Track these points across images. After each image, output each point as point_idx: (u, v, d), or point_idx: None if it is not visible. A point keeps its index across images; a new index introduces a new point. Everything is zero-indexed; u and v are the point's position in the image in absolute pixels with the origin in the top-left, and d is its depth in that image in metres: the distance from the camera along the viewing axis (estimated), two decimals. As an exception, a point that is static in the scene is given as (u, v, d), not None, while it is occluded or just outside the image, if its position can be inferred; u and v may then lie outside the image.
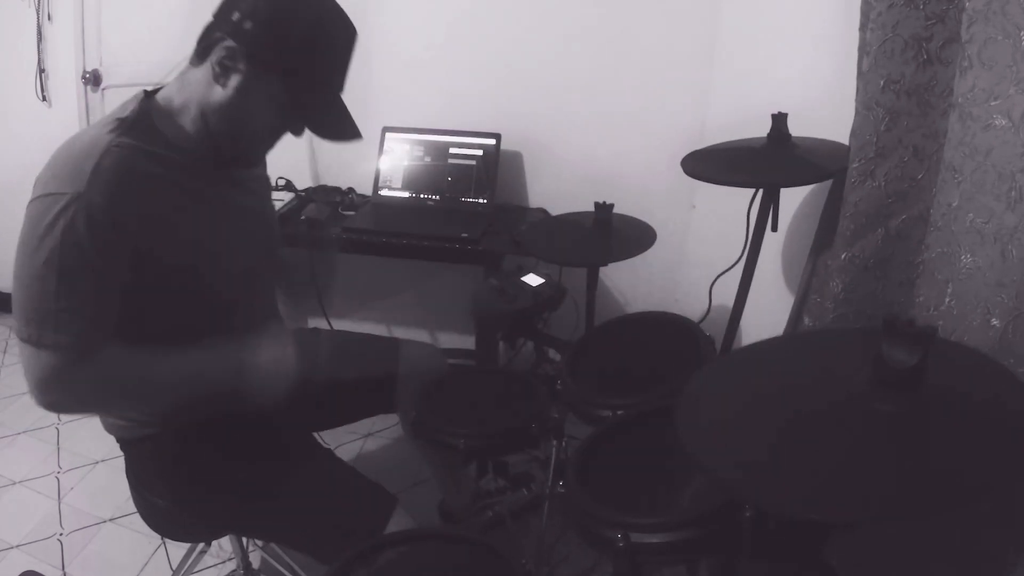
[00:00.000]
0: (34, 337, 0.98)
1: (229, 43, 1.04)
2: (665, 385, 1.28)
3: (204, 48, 1.07)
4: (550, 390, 1.40)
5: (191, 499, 1.22)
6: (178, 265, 1.08)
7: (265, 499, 1.19)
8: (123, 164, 1.01)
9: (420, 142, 2.26)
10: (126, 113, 1.06)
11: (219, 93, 1.07)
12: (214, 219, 1.15)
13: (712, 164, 1.47)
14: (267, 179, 1.39)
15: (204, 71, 1.07)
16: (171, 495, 1.23)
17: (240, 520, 1.28)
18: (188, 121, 1.10)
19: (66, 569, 1.78)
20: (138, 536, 1.84)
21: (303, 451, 1.29)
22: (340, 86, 1.17)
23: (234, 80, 1.06)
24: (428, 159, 2.25)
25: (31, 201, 1.00)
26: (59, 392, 1.01)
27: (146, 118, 1.07)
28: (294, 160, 2.24)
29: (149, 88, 1.13)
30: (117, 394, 1.09)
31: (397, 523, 1.19)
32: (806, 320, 1.44)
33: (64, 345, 0.98)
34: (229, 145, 1.12)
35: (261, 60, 1.05)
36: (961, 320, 1.12)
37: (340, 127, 1.17)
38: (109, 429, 1.24)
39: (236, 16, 1.03)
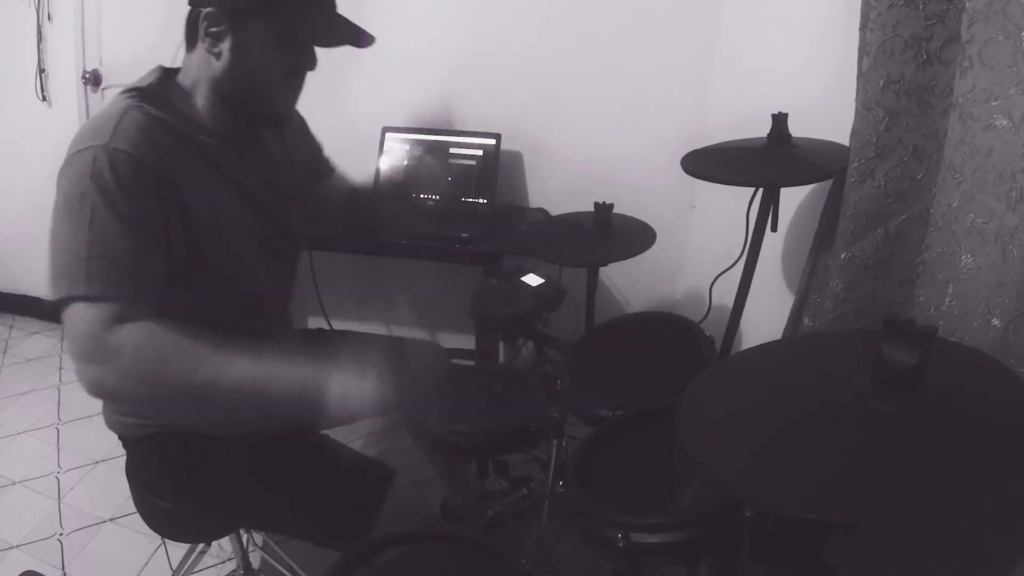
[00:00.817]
0: (65, 290, 0.94)
1: (206, 11, 1.04)
2: (665, 385, 1.28)
3: (191, 30, 1.09)
4: (550, 390, 1.40)
5: (194, 497, 1.22)
6: (198, 234, 1.07)
7: (267, 489, 1.20)
8: (144, 123, 1.02)
9: (420, 142, 2.26)
10: (144, 83, 1.08)
11: (219, 62, 1.08)
12: (231, 193, 1.15)
13: (712, 164, 1.47)
14: (289, 136, 1.34)
15: (199, 52, 1.09)
16: (174, 494, 1.23)
17: (244, 514, 1.28)
18: (200, 101, 1.11)
19: (66, 569, 1.78)
20: (138, 536, 1.84)
21: (300, 439, 1.29)
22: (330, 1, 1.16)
23: (226, 43, 1.06)
24: (428, 159, 2.25)
25: (59, 173, 1.00)
26: (101, 356, 0.92)
27: (163, 91, 1.09)
28: (294, 160, 2.24)
29: (168, 66, 1.14)
30: (168, 379, 0.95)
31: (397, 493, 1.19)
32: (806, 320, 1.44)
33: (97, 295, 0.94)
34: (254, 107, 1.12)
35: (240, 9, 1.05)
36: (961, 320, 1.12)
37: (347, 32, 1.16)
38: (112, 427, 1.24)
39: None
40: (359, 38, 1.17)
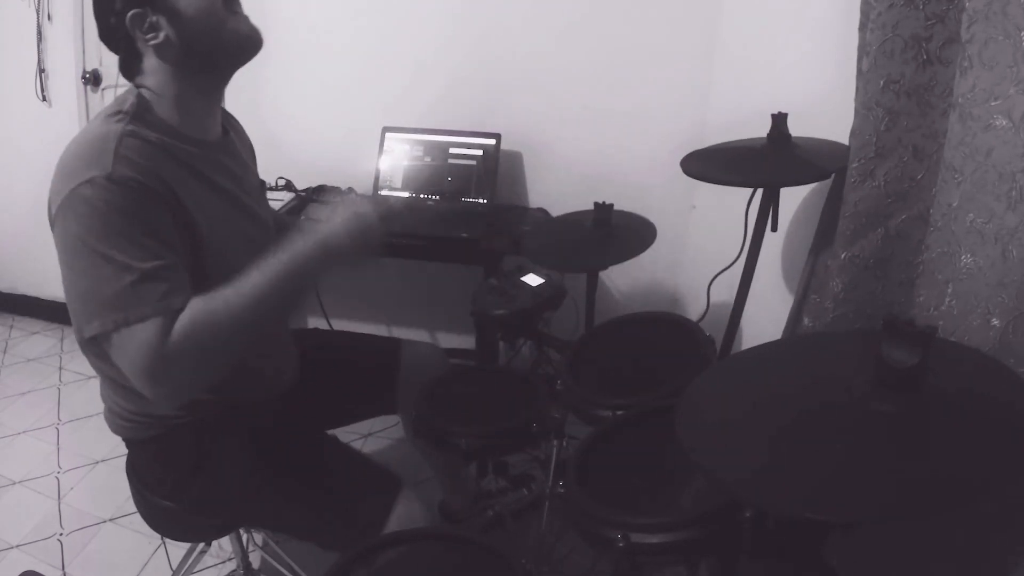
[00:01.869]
0: (121, 320, 0.95)
1: (131, 13, 1.04)
2: (665, 385, 1.28)
3: (129, 55, 1.10)
4: (550, 390, 1.40)
5: (195, 497, 1.23)
6: (201, 244, 1.08)
7: (272, 490, 1.20)
8: (141, 147, 1.02)
9: (420, 142, 2.26)
10: (126, 106, 1.07)
11: (171, 45, 1.07)
12: (223, 202, 1.16)
13: (712, 164, 1.47)
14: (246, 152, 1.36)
15: (147, 61, 1.09)
16: (175, 494, 1.23)
17: (248, 515, 1.28)
18: (169, 108, 1.11)
19: (66, 569, 1.78)
20: (138, 536, 1.84)
21: (308, 439, 1.29)
22: None
23: (164, 25, 1.06)
24: (428, 159, 2.25)
25: (59, 208, 0.98)
26: (167, 364, 0.96)
27: (147, 109, 1.09)
28: (294, 160, 2.24)
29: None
30: (221, 337, 1.01)
31: (404, 505, 1.19)
32: (806, 320, 1.44)
33: (152, 313, 0.96)
34: (224, 51, 1.12)
35: None
36: (961, 320, 1.12)
37: None
38: (116, 430, 1.24)
39: (114, 3, 1.05)
40: None
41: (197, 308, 0.99)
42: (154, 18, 1.05)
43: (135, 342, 0.96)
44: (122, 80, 1.14)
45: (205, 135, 1.16)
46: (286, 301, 1.09)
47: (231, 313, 1.01)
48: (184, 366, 0.98)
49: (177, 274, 1.01)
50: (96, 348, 1.06)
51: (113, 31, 1.07)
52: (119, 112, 1.06)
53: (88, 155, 1.00)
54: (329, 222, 1.10)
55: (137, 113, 1.06)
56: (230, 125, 1.30)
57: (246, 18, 1.14)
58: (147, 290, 0.97)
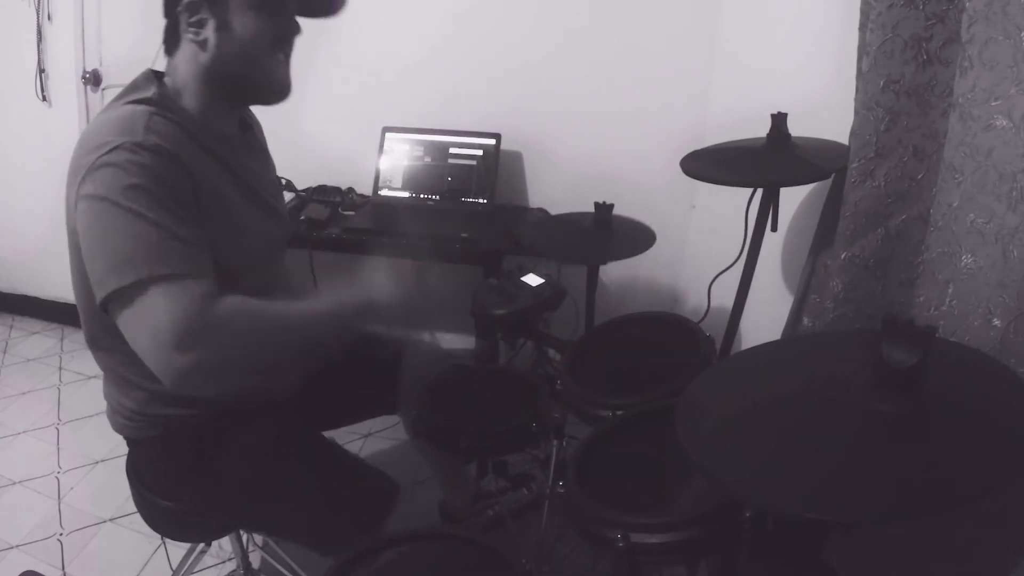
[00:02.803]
0: (137, 274, 0.90)
1: (184, 3, 1.04)
2: (665, 385, 1.28)
3: (172, 32, 1.09)
4: (550, 390, 1.40)
5: (196, 497, 1.22)
6: (215, 232, 1.07)
7: (272, 494, 1.20)
8: (168, 127, 1.02)
9: (420, 142, 2.26)
10: (150, 93, 1.07)
11: (206, 50, 1.07)
12: (242, 194, 1.16)
13: (712, 164, 1.47)
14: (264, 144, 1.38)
15: (183, 50, 1.09)
16: (175, 493, 1.23)
17: (248, 517, 1.28)
18: (191, 100, 1.11)
19: (66, 569, 1.78)
20: (138, 536, 1.84)
21: (308, 443, 1.29)
22: None
23: (210, 27, 1.06)
24: (428, 159, 2.25)
25: (83, 179, 0.95)
26: (198, 336, 0.90)
27: (168, 98, 1.09)
28: (294, 160, 2.23)
29: (156, 69, 1.14)
30: (257, 336, 0.99)
31: (402, 510, 1.19)
32: (805, 320, 1.44)
33: (181, 272, 0.92)
34: (250, 84, 1.13)
35: None
36: (962, 320, 1.12)
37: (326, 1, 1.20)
38: (118, 429, 1.24)
39: None
40: (331, 3, 1.20)
41: (247, 300, 0.98)
42: (205, 16, 1.06)
43: (166, 299, 0.90)
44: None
45: (225, 129, 1.16)
46: (319, 337, 1.08)
47: (273, 320, 1.01)
48: (216, 344, 0.92)
49: (202, 250, 0.99)
50: (105, 324, 1.00)
51: (169, 13, 1.08)
52: (140, 99, 1.06)
53: (115, 128, 0.98)
54: (379, 284, 1.12)
55: (161, 101, 1.06)
56: (252, 121, 1.31)
57: (286, 67, 1.15)
58: (176, 249, 0.94)
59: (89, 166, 0.95)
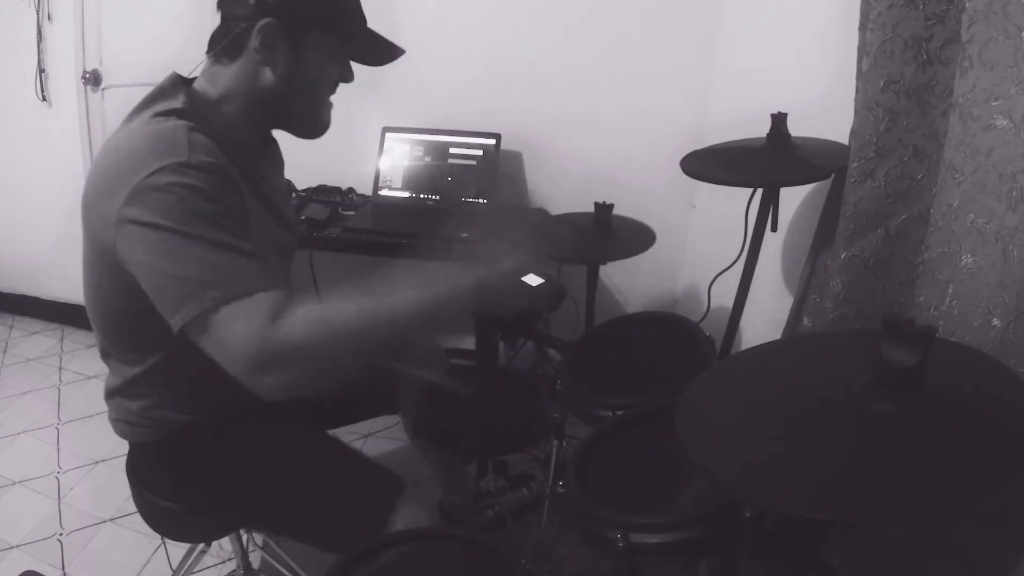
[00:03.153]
0: (219, 297, 0.89)
1: (264, 22, 1.03)
2: (665, 385, 1.28)
3: (236, 42, 1.06)
4: (550, 390, 1.40)
5: (196, 497, 1.22)
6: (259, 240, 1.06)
7: (275, 492, 1.20)
8: (208, 143, 1.00)
9: (420, 142, 2.26)
10: (179, 104, 1.04)
11: (272, 74, 1.07)
12: (263, 206, 1.15)
13: (712, 164, 1.47)
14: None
15: (242, 63, 1.07)
16: (175, 494, 1.23)
17: (248, 515, 1.28)
18: (231, 111, 1.10)
19: (66, 569, 1.78)
20: (138, 536, 1.84)
21: (310, 440, 1.29)
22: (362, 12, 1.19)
23: (283, 55, 1.06)
24: (428, 159, 2.25)
25: (126, 203, 0.92)
26: (276, 354, 0.89)
27: (198, 108, 1.06)
28: (294, 160, 2.23)
29: (183, 75, 1.12)
30: (343, 345, 0.96)
31: (406, 506, 1.19)
32: (806, 320, 1.44)
33: (254, 289, 0.90)
34: (301, 117, 1.14)
35: (301, 21, 1.05)
36: (962, 320, 1.12)
37: (385, 50, 1.21)
38: (121, 434, 1.24)
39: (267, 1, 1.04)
40: (394, 53, 1.23)
41: (324, 306, 0.95)
42: (281, 41, 1.05)
43: (240, 320, 0.89)
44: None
45: (249, 140, 1.15)
46: (412, 328, 1.03)
47: (356, 321, 0.96)
48: (295, 358, 0.90)
49: (267, 258, 0.97)
50: (124, 338, 1.02)
51: (232, 21, 1.05)
52: (171, 110, 1.03)
53: (155, 147, 0.95)
54: (494, 263, 1.09)
55: (193, 113, 1.04)
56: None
57: (330, 108, 1.18)
58: (241, 266, 0.92)
59: (133, 187, 0.92)
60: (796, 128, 1.43)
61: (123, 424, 1.22)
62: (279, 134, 1.23)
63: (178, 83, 1.08)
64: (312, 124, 1.17)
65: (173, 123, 1.00)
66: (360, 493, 1.21)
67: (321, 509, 1.20)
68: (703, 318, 1.83)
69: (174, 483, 1.23)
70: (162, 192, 0.91)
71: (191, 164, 0.94)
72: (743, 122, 1.55)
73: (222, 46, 1.07)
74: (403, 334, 1.03)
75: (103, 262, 1.01)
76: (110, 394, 1.22)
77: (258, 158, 1.18)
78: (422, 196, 2.24)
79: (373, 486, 1.23)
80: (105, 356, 1.18)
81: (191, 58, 1.12)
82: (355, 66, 1.21)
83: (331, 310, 0.96)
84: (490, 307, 1.08)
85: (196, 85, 1.11)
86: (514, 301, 1.11)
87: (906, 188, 1.22)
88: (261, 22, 1.03)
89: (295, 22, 1.05)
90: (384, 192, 2.27)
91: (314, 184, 2.33)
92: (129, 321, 1.09)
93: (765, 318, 1.70)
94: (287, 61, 1.07)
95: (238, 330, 0.89)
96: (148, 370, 1.13)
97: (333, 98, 1.20)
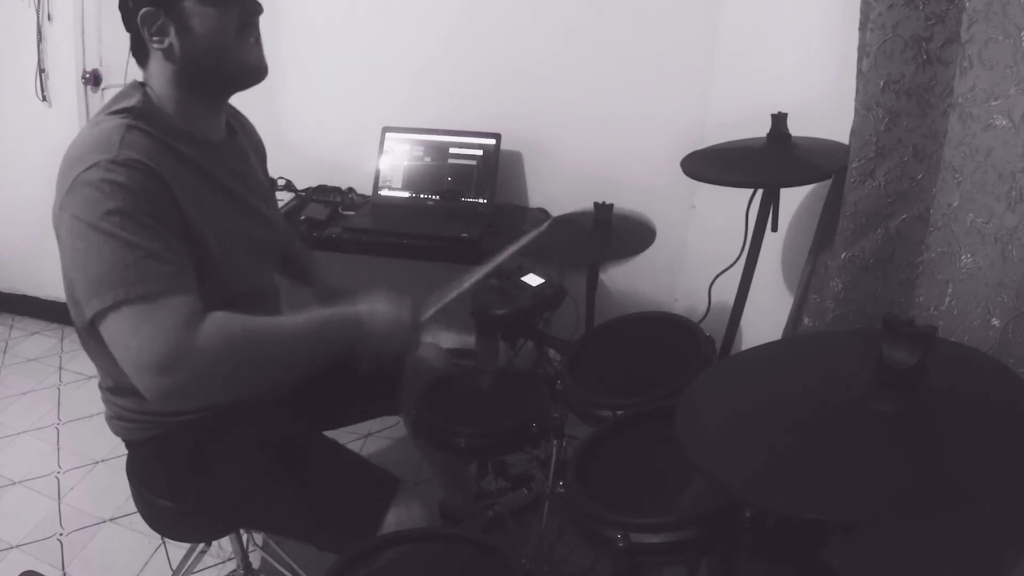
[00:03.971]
0: (121, 296, 0.91)
1: (141, 14, 1.04)
2: (665, 385, 1.28)
3: (139, 44, 1.10)
4: (550, 390, 1.40)
5: (195, 497, 1.22)
6: (198, 243, 1.07)
7: (272, 491, 1.20)
8: (145, 142, 1.02)
9: (420, 142, 2.26)
10: (131, 102, 1.07)
11: (174, 54, 1.07)
12: (227, 202, 1.16)
13: (712, 164, 1.47)
14: (253, 152, 1.36)
15: (154, 60, 1.09)
16: (175, 494, 1.23)
17: (247, 515, 1.28)
18: (173, 108, 1.11)
19: (66, 569, 1.78)
20: (138, 536, 1.84)
21: (305, 440, 1.30)
22: None
23: (171, 32, 1.06)
24: (428, 159, 2.25)
25: (62, 200, 0.97)
26: (181, 358, 0.91)
27: (151, 107, 1.08)
28: (294, 160, 2.24)
29: (141, 80, 1.14)
30: (247, 352, 0.99)
31: (402, 506, 1.19)
32: (806, 320, 1.44)
33: (160, 292, 0.93)
34: (226, 74, 1.12)
35: None
36: (961, 320, 1.12)
37: None
38: (116, 431, 1.24)
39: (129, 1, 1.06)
40: None
41: (231, 317, 0.98)
42: (164, 23, 1.06)
43: (143, 320, 0.91)
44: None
45: (209, 135, 1.16)
46: (311, 352, 1.08)
47: (259, 338, 1.01)
48: (199, 364, 0.93)
49: (182, 264, 0.99)
50: (95, 336, 1.02)
51: (129, 15, 1.08)
52: (123, 110, 1.06)
53: (92, 145, 0.99)
54: (374, 303, 1.14)
55: (142, 111, 1.06)
56: (239, 124, 1.30)
57: (258, 48, 1.14)
58: (151, 268, 0.94)
59: (71, 182, 0.96)
60: (796, 128, 1.43)
61: (118, 422, 1.22)
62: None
63: (137, 87, 1.11)
64: (244, 74, 1.14)
65: (115, 121, 1.02)
66: (354, 492, 1.21)
67: (315, 508, 1.20)
68: (703, 318, 1.83)
69: (170, 481, 1.23)
70: (90, 188, 0.95)
71: (118, 161, 0.96)
72: (743, 122, 1.55)
73: (132, 52, 1.11)
74: (300, 352, 1.07)
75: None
76: (104, 392, 1.22)
77: (222, 152, 1.18)
78: (422, 196, 2.24)
79: (367, 485, 1.23)
80: (85, 349, 1.18)
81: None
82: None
83: (239, 324, 0.99)
84: (373, 344, 1.11)
85: (147, 89, 1.12)
86: (393, 345, 1.14)
87: (906, 188, 1.22)
88: (139, 15, 1.05)
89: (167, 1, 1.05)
90: (384, 192, 2.27)
91: (314, 184, 2.33)
92: None
93: (765, 318, 1.70)
94: (178, 37, 1.07)
95: (140, 329, 0.91)
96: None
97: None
